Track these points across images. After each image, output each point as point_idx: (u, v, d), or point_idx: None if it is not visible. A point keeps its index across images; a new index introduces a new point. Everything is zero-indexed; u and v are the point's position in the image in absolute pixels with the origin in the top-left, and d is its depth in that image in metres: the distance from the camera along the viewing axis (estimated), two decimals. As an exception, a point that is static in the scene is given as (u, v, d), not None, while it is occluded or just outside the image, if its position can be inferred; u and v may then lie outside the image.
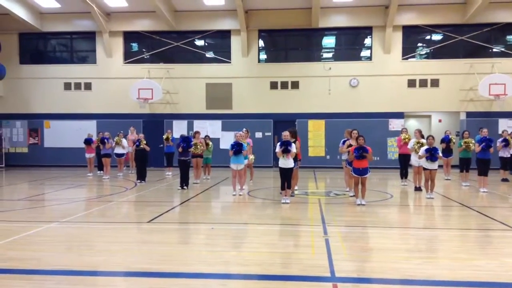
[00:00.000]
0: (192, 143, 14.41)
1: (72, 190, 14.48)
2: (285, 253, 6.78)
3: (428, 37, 22.38)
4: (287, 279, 5.51)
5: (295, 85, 22.33)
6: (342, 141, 12.84)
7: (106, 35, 22.56)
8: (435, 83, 21.61)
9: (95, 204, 11.58)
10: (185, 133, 20.16)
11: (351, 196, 12.20)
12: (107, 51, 22.91)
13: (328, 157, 21.94)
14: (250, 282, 5.51)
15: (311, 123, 22.23)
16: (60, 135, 23.04)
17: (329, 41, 23.43)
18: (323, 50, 23.31)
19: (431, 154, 11.79)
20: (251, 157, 14.54)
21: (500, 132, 18.49)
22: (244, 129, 14.98)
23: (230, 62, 22.67)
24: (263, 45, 23.23)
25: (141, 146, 15.53)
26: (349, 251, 6.84)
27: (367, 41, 22.37)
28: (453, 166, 17.08)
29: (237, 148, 12.39)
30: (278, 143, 11.36)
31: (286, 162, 11.22)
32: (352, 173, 11.28)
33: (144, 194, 13.33)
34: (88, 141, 18.43)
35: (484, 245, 7.45)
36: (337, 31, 22.70)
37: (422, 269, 5.92)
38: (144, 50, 23.81)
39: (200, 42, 23.35)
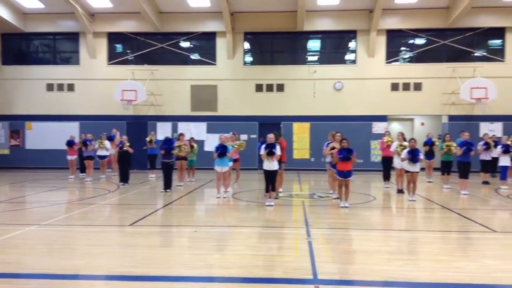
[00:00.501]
0: (174, 145, 14.30)
1: (53, 192, 14.27)
2: (268, 256, 6.77)
3: (411, 41, 22.64)
4: (270, 282, 5.52)
5: (280, 87, 22.39)
6: (326, 143, 12.90)
7: (90, 36, 22.36)
8: (418, 86, 21.85)
9: (76, 206, 11.46)
10: (169, 135, 20.08)
11: (334, 199, 12.26)
12: (91, 52, 22.70)
13: (312, 159, 22.03)
14: (233, 285, 5.48)
15: (296, 125, 22.31)
16: (42, 137, 22.73)
17: (314, 44, 23.55)
18: (308, 53, 23.41)
19: (413, 155, 11.92)
20: (240, 147, 14.79)
21: (481, 135, 18.75)
22: (231, 132, 15.00)
23: (215, 64, 22.64)
24: (249, 47, 23.25)
25: (124, 148, 15.41)
26: (332, 253, 6.87)
27: (352, 44, 22.54)
28: (434, 169, 17.27)
29: (222, 150, 12.37)
30: (263, 146, 11.38)
31: (271, 165, 11.24)
32: (336, 176, 11.35)
33: (126, 196, 13.22)
34: (70, 143, 18.21)
35: (464, 247, 7.55)
36: (322, 35, 22.84)
37: (404, 271, 5.97)
38: (128, 51, 23.64)
39: (185, 44, 23.29)
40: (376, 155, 21.21)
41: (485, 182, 16.22)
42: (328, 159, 12.78)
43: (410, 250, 7.35)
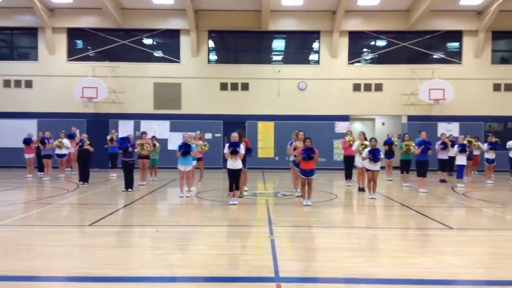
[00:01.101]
0: (129, 144, 13.90)
1: (10, 192, 13.79)
2: (231, 255, 6.78)
3: (372, 42, 23.12)
4: (231, 281, 5.51)
5: (245, 86, 22.41)
6: (289, 142, 13.00)
7: (49, 31, 21.73)
8: (378, 87, 22.33)
9: (34, 206, 11.11)
10: (131, 133, 19.76)
11: (297, 197, 12.38)
12: (50, 48, 22.07)
13: (277, 158, 22.16)
14: (195, 285, 5.46)
15: (261, 124, 22.39)
16: (-2, 135, 21.94)
17: (278, 44, 23.71)
18: (272, 53, 23.55)
19: (374, 155, 12.18)
20: (204, 147, 14.63)
21: (439, 135, 19.30)
22: (198, 131, 14.91)
23: (179, 62, 22.44)
24: (213, 45, 23.16)
25: (85, 146, 15.07)
26: (294, 251, 6.93)
27: (315, 45, 22.80)
28: (394, 168, 17.68)
29: (185, 149, 12.26)
30: (227, 145, 11.37)
31: (234, 164, 11.24)
32: (299, 174, 11.45)
33: (86, 196, 12.92)
34: (27, 141, 17.65)
35: (422, 244, 7.76)
36: (286, 35, 23.02)
37: (364, 267, 6.09)
38: (89, 47, 23.14)
39: (148, 41, 22.96)
40: (338, 154, 21.54)
41: (443, 181, 16.73)
42: (292, 158, 12.88)
43: (370, 247, 7.50)
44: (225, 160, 11.99)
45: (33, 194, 13.98)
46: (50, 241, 7.56)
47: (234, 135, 11.36)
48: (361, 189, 13.87)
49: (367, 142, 13.35)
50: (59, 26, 22.02)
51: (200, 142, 14.91)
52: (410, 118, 22.25)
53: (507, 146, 17.57)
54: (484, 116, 22.14)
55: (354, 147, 14.06)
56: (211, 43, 22.95)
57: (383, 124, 23.77)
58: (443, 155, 16.83)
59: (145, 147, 14.39)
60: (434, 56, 22.81)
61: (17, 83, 22.38)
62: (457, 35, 22.44)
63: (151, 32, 22.47)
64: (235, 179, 11.34)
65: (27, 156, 17.81)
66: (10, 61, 22.70)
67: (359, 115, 22.94)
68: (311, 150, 11.05)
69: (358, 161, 13.90)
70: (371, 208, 11.41)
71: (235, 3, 21.25)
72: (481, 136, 20.88)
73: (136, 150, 14.17)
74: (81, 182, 15.19)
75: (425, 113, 22.22)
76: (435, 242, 7.84)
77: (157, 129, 21.58)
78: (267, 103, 22.26)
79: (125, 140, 13.91)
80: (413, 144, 14.71)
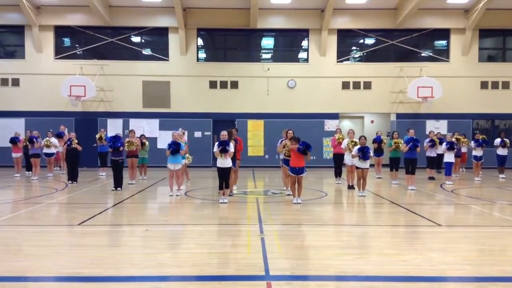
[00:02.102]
0: (119, 143, 13.71)
1: (-3, 192, 13.68)
2: (221, 253, 6.76)
3: (361, 41, 23.20)
4: (222, 279, 5.50)
5: (234, 85, 22.37)
6: (279, 141, 13.02)
7: (35, 29, 21.49)
8: (367, 85, 22.41)
9: (22, 206, 11.01)
10: (120, 132, 19.63)
11: (287, 195, 12.39)
12: (37, 46, 21.83)
13: (267, 156, 22.18)
14: (185, 284, 5.44)
15: (250, 123, 22.37)
16: (-15, 134, 21.64)
17: (267, 42, 23.70)
18: (261, 51, 23.52)
19: (364, 153, 12.23)
20: (188, 160, 14.41)
21: (427, 132, 19.46)
22: (180, 128, 14.83)
23: (168, 60, 22.34)
24: (202, 44, 23.09)
25: (73, 145, 14.95)
26: (284, 249, 6.94)
27: (304, 43, 22.83)
28: (383, 165, 17.77)
29: (174, 147, 12.22)
30: (216, 143, 11.34)
31: (224, 162, 11.22)
32: (289, 172, 11.46)
33: (75, 195, 12.81)
34: (13, 140, 17.46)
35: (411, 241, 7.81)
36: (275, 33, 23.01)
37: (354, 264, 6.11)
38: (76, 45, 22.94)
39: (136, 39, 22.84)
40: (328, 152, 21.60)
41: (431, 178, 16.85)
42: (282, 156, 12.89)
43: (360, 245, 7.53)
44: (214, 159, 11.97)
45: (21, 193, 13.84)
46: (38, 241, 7.48)
47: (224, 134, 11.34)
48: (351, 187, 13.92)
49: (356, 140, 13.40)
50: (46, 24, 21.79)
51: (187, 149, 14.48)
52: (399, 116, 22.40)
53: (495, 144, 17.78)
54: (471, 114, 22.35)
55: (343, 145, 14.11)
56: (200, 41, 22.87)
57: (372, 122, 23.89)
58: (432, 153, 16.99)
59: (134, 143, 14.40)
60: (422, 54, 22.96)
61: (4, 82, 22.12)
62: (444, 33, 22.61)
63: (139, 30, 22.35)
64: (225, 178, 11.32)
65: (14, 155, 17.63)
66: (-4, 59, 22.48)
67: (348, 113, 23.02)
68: (308, 146, 11.06)
69: (348, 159, 13.95)
70: (361, 206, 11.46)
71: (223, 1, 21.20)
72: (468, 133, 21.08)
73: (125, 148, 14.15)
74: (70, 181, 15.08)
75: (414, 111, 22.37)
76: (424, 239, 7.90)
77: (147, 127, 21.46)
78: (257, 101, 22.25)
79: (117, 139, 13.83)
80: (402, 142, 14.79)
